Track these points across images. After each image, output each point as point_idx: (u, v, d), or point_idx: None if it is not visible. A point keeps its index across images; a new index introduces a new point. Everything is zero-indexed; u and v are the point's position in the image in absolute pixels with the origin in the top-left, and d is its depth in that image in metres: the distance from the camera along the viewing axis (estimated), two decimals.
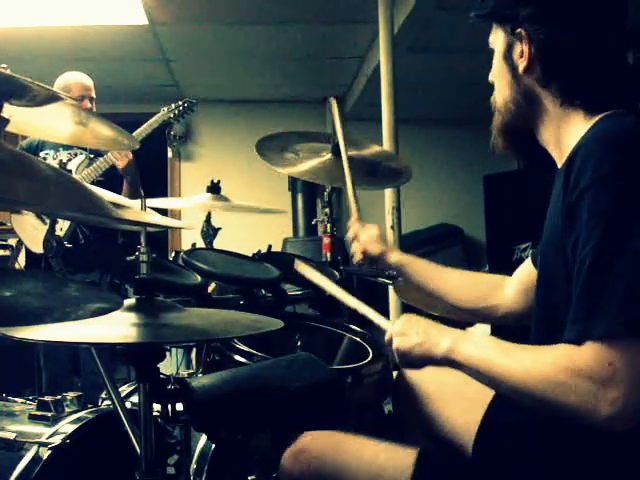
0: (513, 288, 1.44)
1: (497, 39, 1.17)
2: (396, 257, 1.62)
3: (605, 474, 1.02)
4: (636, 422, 0.89)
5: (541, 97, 1.13)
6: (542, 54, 1.10)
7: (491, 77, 1.23)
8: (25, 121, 1.31)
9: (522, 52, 1.12)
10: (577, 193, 0.97)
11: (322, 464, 1.20)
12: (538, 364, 0.96)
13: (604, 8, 1.11)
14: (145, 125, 3.24)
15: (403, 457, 1.16)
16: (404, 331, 1.15)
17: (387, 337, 1.20)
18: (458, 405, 1.40)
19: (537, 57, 1.10)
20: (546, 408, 0.96)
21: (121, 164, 3.09)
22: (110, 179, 3.04)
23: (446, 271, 1.58)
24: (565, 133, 1.11)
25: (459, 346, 1.06)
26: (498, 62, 1.18)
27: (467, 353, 1.05)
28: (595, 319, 0.92)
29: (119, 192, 2.96)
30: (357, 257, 1.67)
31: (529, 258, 1.41)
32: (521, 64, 1.12)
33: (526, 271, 1.41)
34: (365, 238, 1.65)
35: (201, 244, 2.36)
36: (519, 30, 1.11)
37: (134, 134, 3.14)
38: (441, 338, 1.09)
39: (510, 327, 1.48)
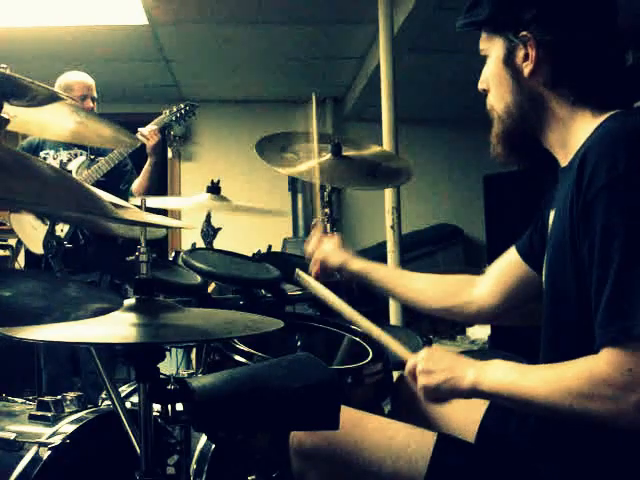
0: (490, 282, 1.41)
1: (493, 45, 1.15)
2: (358, 265, 1.57)
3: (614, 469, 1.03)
4: None
5: (547, 99, 1.12)
6: (551, 55, 1.09)
7: (483, 85, 1.21)
8: (26, 120, 1.31)
9: (527, 55, 1.10)
10: (593, 192, 0.96)
11: (339, 439, 1.20)
12: (561, 380, 0.97)
13: (603, 6, 1.11)
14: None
15: (424, 437, 1.17)
16: (429, 369, 1.15)
17: (409, 369, 1.20)
18: (458, 406, 1.40)
19: (545, 59, 1.09)
20: (575, 419, 0.97)
21: (151, 142, 3.09)
22: (111, 180, 3.04)
23: (412, 276, 1.54)
24: (571, 133, 1.10)
25: (482, 377, 1.08)
26: (496, 68, 1.16)
27: (491, 383, 1.07)
28: (613, 324, 0.92)
29: (120, 193, 2.95)
30: (314, 269, 1.61)
31: (513, 248, 1.38)
32: (526, 67, 1.11)
33: (508, 261, 1.38)
34: (321, 256, 1.60)
35: (201, 244, 2.36)
36: (523, 33, 1.10)
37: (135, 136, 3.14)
38: (465, 372, 1.10)
39: (510, 327, 1.46)
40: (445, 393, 1.14)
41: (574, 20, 1.09)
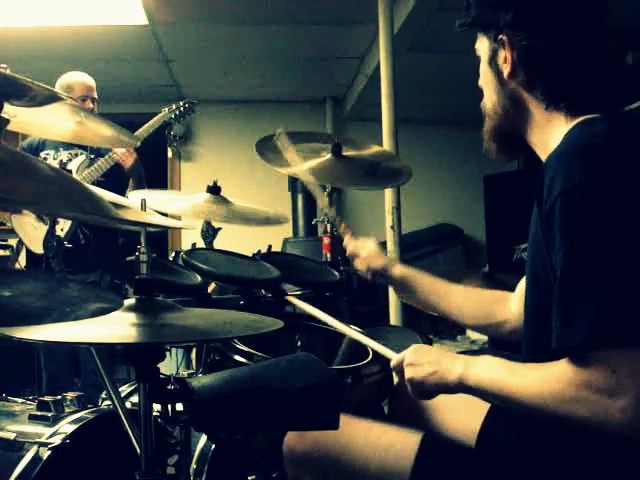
0: (517, 303, 1.40)
1: (482, 46, 1.19)
2: (400, 270, 1.58)
3: (606, 471, 1.02)
4: None
5: (526, 101, 1.14)
6: (524, 59, 1.11)
7: (480, 83, 1.24)
8: (27, 120, 1.31)
9: (505, 58, 1.13)
10: (550, 202, 0.98)
11: (327, 443, 1.22)
12: (546, 382, 0.97)
13: (583, 12, 1.12)
14: (145, 126, 3.25)
15: (409, 437, 1.18)
16: (416, 361, 1.15)
17: (394, 364, 1.21)
18: (459, 408, 1.40)
19: (520, 62, 1.12)
20: (559, 422, 0.97)
21: (128, 163, 3.10)
22: (111, 179, 3.04)
23: (450, 287, 1.54)
24: (549, 136, 1.12)
25: (470, 371, 1.08)
26: (484, 68, 1.20)
27: (478, 377, 1.06)
28: (589, 328, 0.91)
29: (120, 192, 2.95)
30: (360, 267, 1.64)
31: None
32: (505, 69, 1.14)
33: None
34: (365, 254, 1.63)
35: (201, 244, 2.36)
36: (501, 36, 1.13)
37: (135, 135, 3.14)
38: (452, 366, 1.10)
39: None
40: (431, 387, 1.13)
41: (548, 25, 1.10)
